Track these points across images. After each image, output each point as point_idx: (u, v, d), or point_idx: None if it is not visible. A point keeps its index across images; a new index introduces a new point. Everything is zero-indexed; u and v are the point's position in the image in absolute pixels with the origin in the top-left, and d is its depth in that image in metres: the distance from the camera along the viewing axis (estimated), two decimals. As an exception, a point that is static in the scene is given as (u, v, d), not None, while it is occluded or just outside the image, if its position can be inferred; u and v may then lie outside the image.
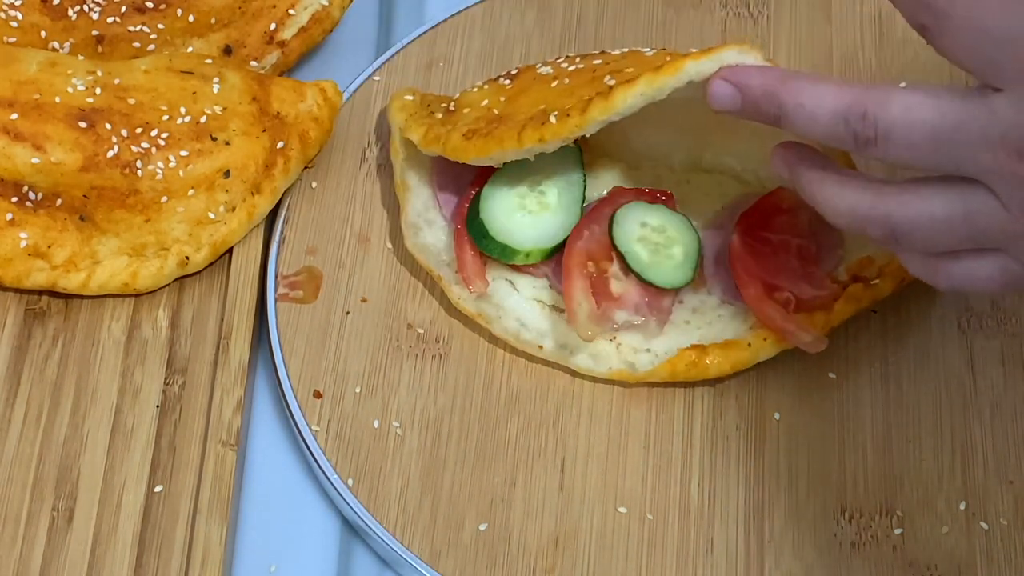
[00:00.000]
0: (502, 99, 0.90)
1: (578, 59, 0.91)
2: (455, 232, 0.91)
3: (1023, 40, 0.69)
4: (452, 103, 0.93)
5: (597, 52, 0.92)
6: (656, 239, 0.90)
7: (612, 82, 0.83)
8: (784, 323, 0.87)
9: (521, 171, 0.90)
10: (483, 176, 0.91)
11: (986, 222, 0.72)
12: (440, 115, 0.92)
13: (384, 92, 1.01)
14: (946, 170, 0.72)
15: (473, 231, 0.90)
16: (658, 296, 0.89)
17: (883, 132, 0.73)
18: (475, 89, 0.93)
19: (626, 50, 0.90)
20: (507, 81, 0.92)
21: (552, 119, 0.84)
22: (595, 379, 0.89)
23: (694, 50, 0.82)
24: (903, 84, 0.73)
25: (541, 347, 0.90)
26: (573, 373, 0.90)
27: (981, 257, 0.74)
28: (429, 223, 0.93)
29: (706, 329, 0.90)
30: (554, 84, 0.88)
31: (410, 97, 0.95)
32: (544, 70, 0.91)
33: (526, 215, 0.90)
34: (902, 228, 0.74)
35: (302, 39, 1.01)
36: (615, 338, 0.89)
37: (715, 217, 0.92)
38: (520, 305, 0.91)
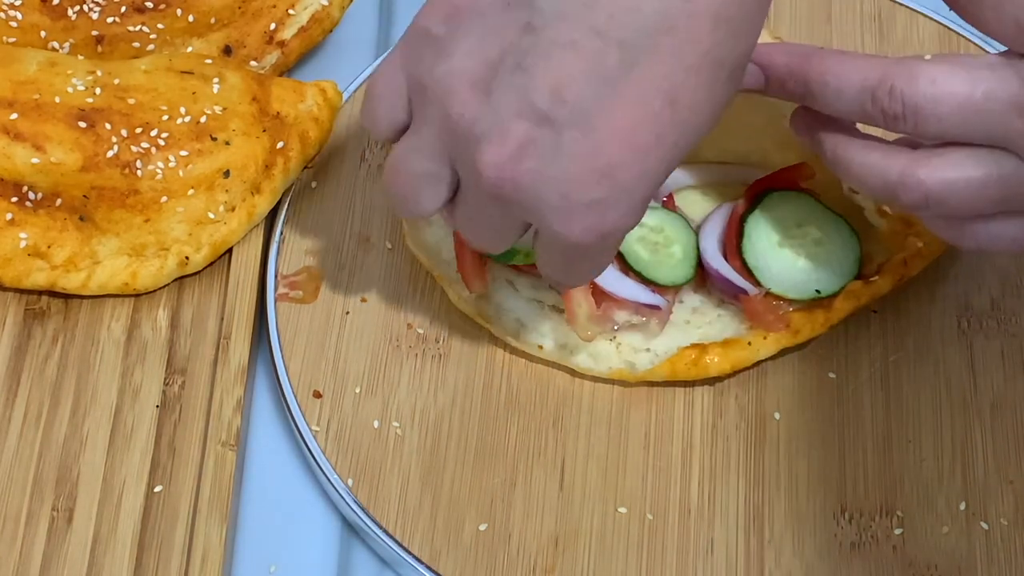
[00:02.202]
0: None
1: None
2: (455, 232, 0.91)
3: None
4: None
5: None
6: (654, 239, 0.90)
7: None
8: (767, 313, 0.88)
9: None
10: None
11: (1018, 186, 0.72)
12: None
13: (384, 92, 1.01)
14: (975, 139, 0.73)
15: None
16: (659, 295, 0.89)
17: (911, 107, 0.73)
18: None
19: None
20: None
21: None
22: (595, 379, 0.89)
23: None
24: (928, 56, 0.73)
25: (541, 347, 0.90)
26: (573, 373, 0.90)
27: (1008, 220, 0.75)
28: (429, 223, 0.93)
29: (706, 328, 0.90)
30: None
31: None
32: None
33: None
34: (935, 194, 0.74)
35: (302, 39, 1.01)
36: (615, 338, 0.89)
37: (713, 216, 0.92)
38: (520, 305, 0.91)
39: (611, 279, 0.88)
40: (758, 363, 0.89)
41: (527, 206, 0.73)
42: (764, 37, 0.81)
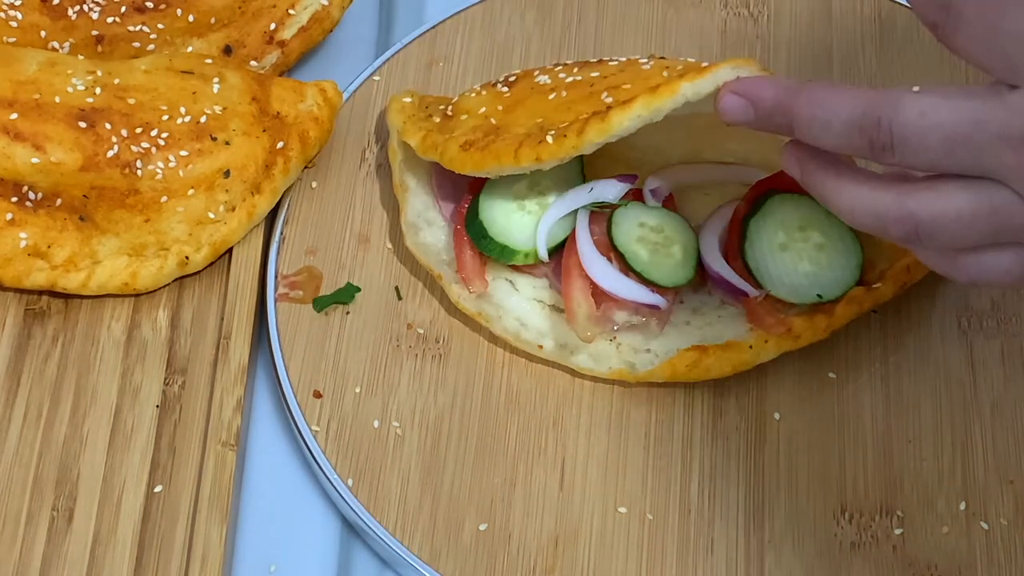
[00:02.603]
0: (499, 108, 0.90)
1: (576, 69, 0.91)
2: (454, 232, 0.91)
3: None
4: (450, 107, 0.93)
5: (595, 61, 0.91)
6: (655, 239, 0.90)
7: (609, 100, 0.84)
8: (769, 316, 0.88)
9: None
10: (482, 177, 0.91)
11: (1009, 217, 0.72)
12: (438, 119, 0.92)
13: (384, 92, 1.01)
14: (965, 170, 0.72)
15: (472, 231, 0.90)
16: (659, 295, 0.89)
17: (899, 138, 0.72)
18: (473, 94, 0.93)
19: (623, 59, 0.90)
20: (505, 88, 0.92)
21: (549, 139, 0.84)
22: (595, 379, 0.89)
23: (691, 60, 0.82)
24: (916, 88, 0.73)
25: (541, 347, 0.90)
26: (573, 373, 0.90)
27: (1001, 251, 0.74)
28: (429, 223, 0.93)
29: (706, 330, 0.90)
30: (551, 96, 0.88)
31: (408, 99, 0.95)
32: (542, 79, 0.91)
33: (525, 215, 0.90)
34: (925, 227, 0.73)
35: (302, 39, 1.01)
36: (615, 338, 0.89)
37: (713, 216, 0.92)
38: (520, 305, 0.91)
39: (611, 279, 0.88)
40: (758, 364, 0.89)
41: None
42: (753, 70, 0.81)
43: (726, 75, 0.81)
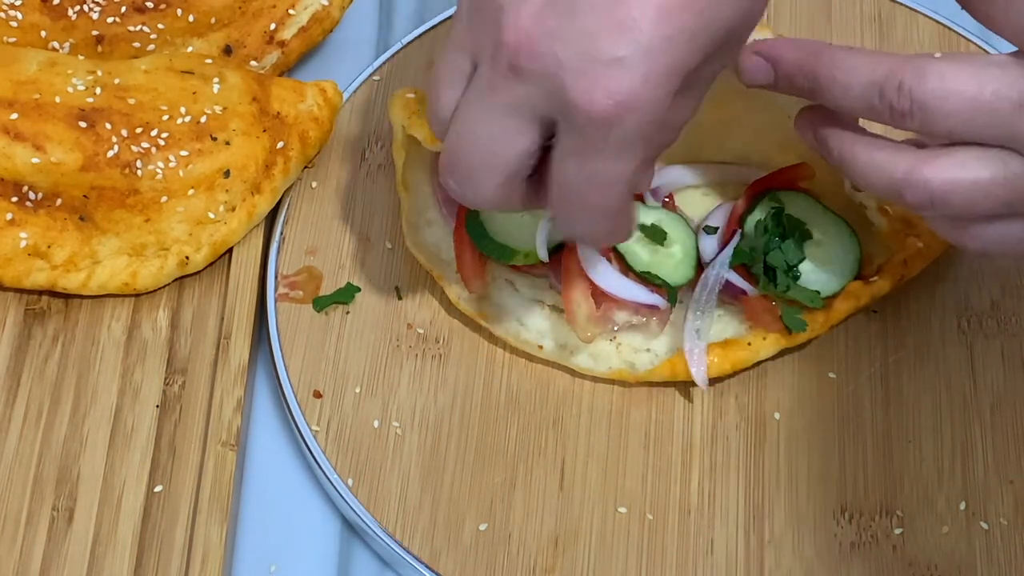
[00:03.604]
0: None
1: None
2: (455, 232, 0.91)
3: None
4: None
5: None
6: (653, 240, 0.90)
7: None
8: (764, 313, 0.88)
9: None
10: None
11: None
12: None
13: (384, 92, 1.01)
14: (982, 139, 0.72)
15: (473, 231, 0.90)
16: (658, 295, 0.89)
17: (919, 103, 0.72)
18: None
19: None
20: None
21: None
22: (595, 379, 0.90)
23: None
24: (938, 54, 0.73)
25: (541, 347, 0.90)
26: (573, 373, 0.90)
27: (1013, 221, 0.75)
28: (429, 223, 0.93)
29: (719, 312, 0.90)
30: None
31: (411, 95, 0.95)
32: None
33: (525, 215, 0.90)
34: (940, 194, 0.74)
35: (302, 39, 1.01)
36: (615, 338, 0.89)
37: (713, 215, 0.92)
38: (520, 305, 0.91)
39: (611, 279, 0.88)
40: (758, 363, 0.89)
41: (545, 71, 0.70)
42: (765, 33, 0.81)
43: None
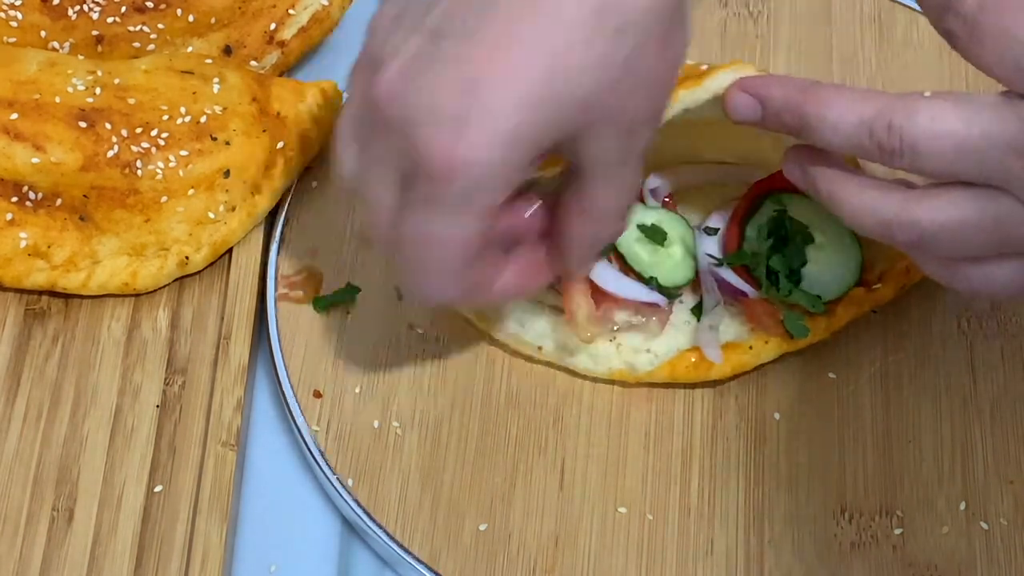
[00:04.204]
0: None
1: None
2: None
3: None
4: None
5: None
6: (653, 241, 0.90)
7: None
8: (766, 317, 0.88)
9: None
10: None
11: (1014, 227, 0.72)
12: None
13: (384, 92, 1.00)
14: (973, 178, 0.72)
15: None
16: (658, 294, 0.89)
17: (909, 143, 0.72)
18: None
19: None
20: None
21: None
22: (595, 379, 0.89)
23: (689, 63, 0.82)
24: (927, 93, 0.73)
25: (540, 348, 0.90)
26: (573, 373, 0.90)
27: (1003, 261, 0.74)
28: None
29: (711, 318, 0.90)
30: None
31: None
32: None
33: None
34: (930, 234, 0.74)
35: (302, 39, 1.01)
36: (615, 338, 0.89)
37: (713, 216, 0.92)
38: (520, 306, 0.91)
39: (611, 279, 0.88)
40: (759, 366, 0.89)
41: (404, 121, 0.72)
42: (749, 70, 0.81)
43: (724, 81, 0.81)
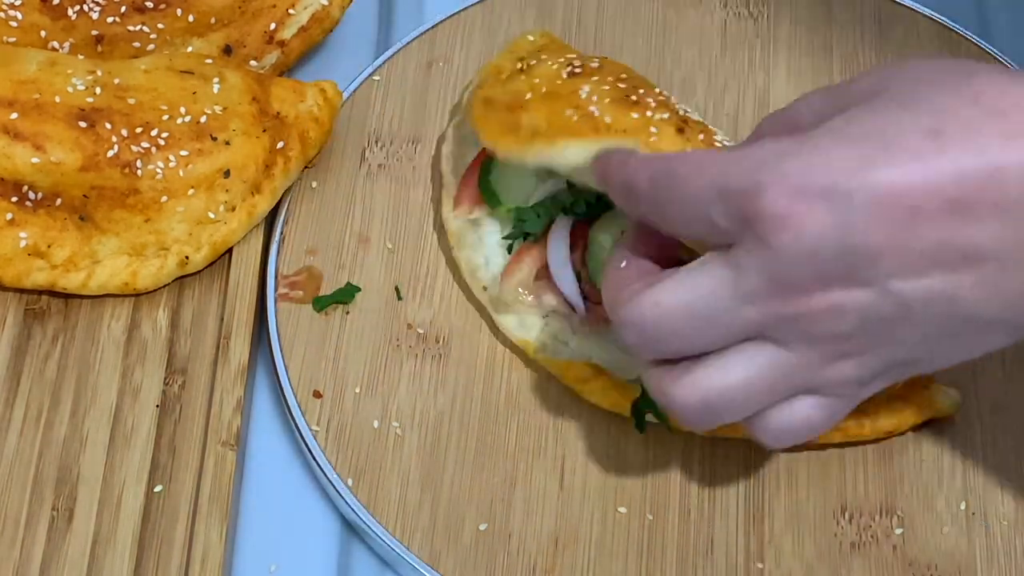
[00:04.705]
0: (543, 89, 0.89)
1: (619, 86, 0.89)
2: (476, 155, 0.92)
3: (730, 194, 0.69)
4: (535, 62, 0.92)
5: (643, 88, 0.89)
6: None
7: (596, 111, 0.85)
8: None
9: None
10: None
11: (785, 368, 0.71)
12: (519, 66, 0.92)
13: (384, 92, 1.01)
14: (725, 341, 0.72)
15: (484, 167, 0.92)
16: (597, 300, 0.88)
17: (652, 334, 0.72)
18: (553, 64, 0.91)
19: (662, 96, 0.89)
20: (565, 72, 0.90)
21: (516, 136, 0.87)
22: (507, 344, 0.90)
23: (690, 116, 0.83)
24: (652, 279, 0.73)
25: (485, 288, 0.90)
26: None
27: (791, 403, 0.74)
28: (464, 142, 0.95)
29: (626, 359, 0.89)
30: (567, 112, 0.87)
31: (531, 37, 0.96)
32: (584, 89, 0.89)
33: (531, 176, 0.90)
34: (718, 403, 0.73)
35: (302, 39, 1.01)
36: (548, 315, 0.89)
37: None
38: (495, 246, 0.91)
39: (557, 258, 0.88)
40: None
41: None
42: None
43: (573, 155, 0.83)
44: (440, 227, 0.95)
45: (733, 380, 0.72)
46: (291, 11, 1.00)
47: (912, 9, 1.05)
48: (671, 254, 0.77)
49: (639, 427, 0.86)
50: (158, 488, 0.85)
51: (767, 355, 0.72)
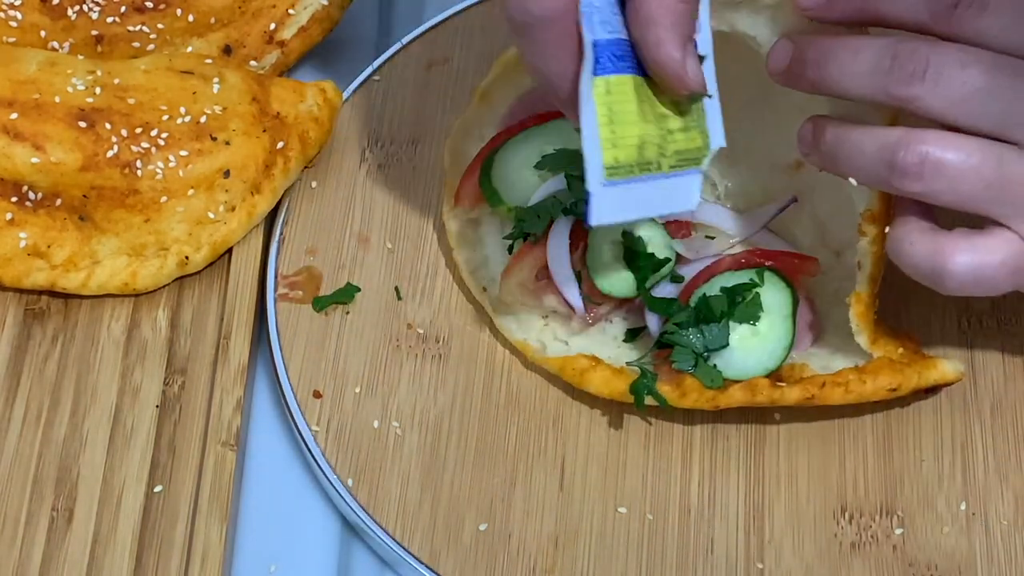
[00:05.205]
0: None
1: None
2: (480, 151, 0.92)
3: None
4: None
5: None
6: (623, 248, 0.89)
7: None
8: None
9: (559, 139, 0.91)
10: (543, 118, 0.92)
11: (1014, 173, 0.75)
12: None
13: (384, 92, 1.01)
14: (989, 118, 0.75)
15: (486, 163, 0.91)
16: (597, 300, 0.88)
17: (933, 72, 0.75)
18: None
19: None
20: None
21: None
22: (505, 345, 0.90)
23: None
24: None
25: (484, 289, 0.90)
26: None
27: (990, 235, 0.76)
28: (482, 137, 0.94)
29: (629, 355, 0.89)
30: None
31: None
32: None
33: (532, 175, 0.90)
34: (934, 160, 0.76)
35: (302, 39, 1.01)
36: (547, 316, 0.89)
37: (691, 266, 0.90)
38: (496, 246, 0.91)
39: (558, 259, 0.88)
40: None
41: None
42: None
43: None
44: (440, 227, 0.95)
45: (975, 151, 0.76)
46: (291, 11, 1.00)
47: None
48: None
49: (639, 405, 0.86)
50: (158, 488, 0.85)
51: (1013, 156, 0.75)
